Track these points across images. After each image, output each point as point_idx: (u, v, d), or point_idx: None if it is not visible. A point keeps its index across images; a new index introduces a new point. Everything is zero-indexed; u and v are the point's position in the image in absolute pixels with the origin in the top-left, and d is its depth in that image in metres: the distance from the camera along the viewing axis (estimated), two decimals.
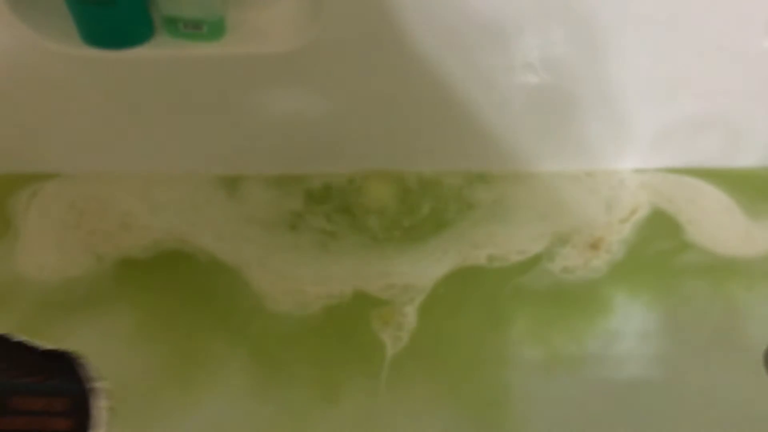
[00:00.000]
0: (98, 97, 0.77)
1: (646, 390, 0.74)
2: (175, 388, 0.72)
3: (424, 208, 0.87)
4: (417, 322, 0.78)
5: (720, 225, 0.87)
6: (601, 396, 0.73)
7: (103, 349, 0.73)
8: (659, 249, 0.84)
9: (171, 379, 0.73)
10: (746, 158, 0.90)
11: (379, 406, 0.72)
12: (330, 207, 0.86)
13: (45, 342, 0.71)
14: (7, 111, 0.79)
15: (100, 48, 0.71)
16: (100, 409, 0.61)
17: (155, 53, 0.71)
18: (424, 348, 0.76)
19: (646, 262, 0.83)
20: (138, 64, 0.72)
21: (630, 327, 0.78)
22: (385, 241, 0.84)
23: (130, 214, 0.84)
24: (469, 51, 0.73)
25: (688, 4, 0.70)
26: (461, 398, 0.73)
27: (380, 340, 0.76)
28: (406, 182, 0.88)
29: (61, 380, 0.62)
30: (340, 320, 0.78)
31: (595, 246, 0.84)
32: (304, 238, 0.84)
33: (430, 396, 0.73)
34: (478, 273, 0.82)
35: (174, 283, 0.80)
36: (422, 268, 0.82)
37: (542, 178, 0.89)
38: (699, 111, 0.83)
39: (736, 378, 0.75)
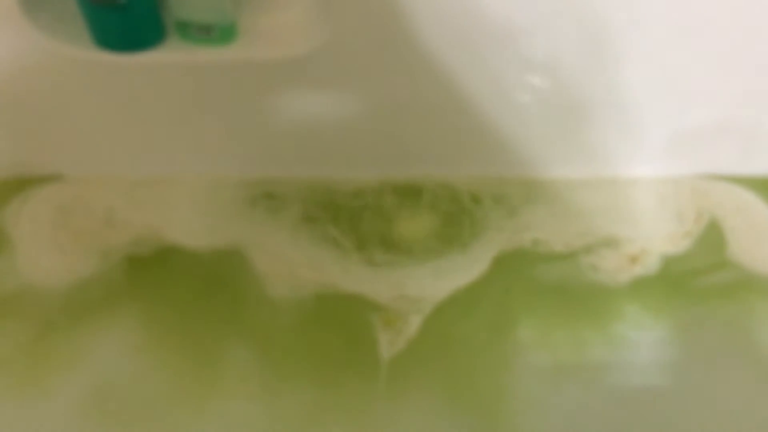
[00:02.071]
0: (106, 100, 0.76)
1: (655, 400, 0.73)
2: (187, 390, 0.73)
3: (449, 215, 0.84)
4: (422, 324, 0.77)
5: (759, 239, 0.84)
6: (609, 405, 0.73)
7: (117, 352, 0.75)
8: (694, 266, 0.81)
9: (182, 382, 0.74)
10: None
11: (378, 413, 0.72)
12: (331, 215, 0.84)
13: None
14: (16, 115, 0.78)
15: (112, 51, 0.70)
16: None
17: (166, 57, 0.70)
18: (427, 351, 0.75)
19: (674, 278, 0.80)
20: (149, 68, 0.71)
21: (640, 337, 0.77)
22: (399, 249, 0.82)
23: (115, 210, 0.83)
24: (482, 54, 0.71)
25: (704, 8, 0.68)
26: (463, 404, 0.73)
27: (379, 342, 0.76)
28: (425, 188, 0.86)
29: None
30: (345, 325, 0.77)
31: (634, 259, 0.81)
32: (312, 245, 0.83)
33: (430, 403, 0.72)
34: (513, 259, 0.81)
35: (177, 278, 0.80)
36: (441, 279, 0.80)
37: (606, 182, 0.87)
38: (726, 117, 0.81)
39: (749, 390, 0.74)
